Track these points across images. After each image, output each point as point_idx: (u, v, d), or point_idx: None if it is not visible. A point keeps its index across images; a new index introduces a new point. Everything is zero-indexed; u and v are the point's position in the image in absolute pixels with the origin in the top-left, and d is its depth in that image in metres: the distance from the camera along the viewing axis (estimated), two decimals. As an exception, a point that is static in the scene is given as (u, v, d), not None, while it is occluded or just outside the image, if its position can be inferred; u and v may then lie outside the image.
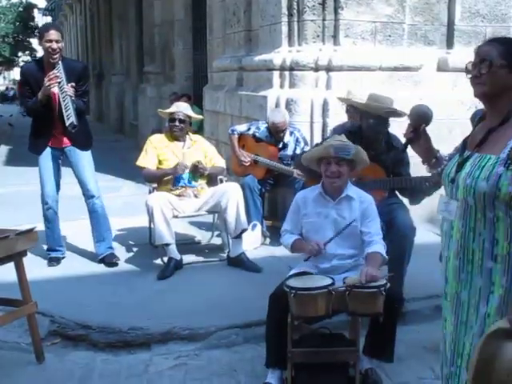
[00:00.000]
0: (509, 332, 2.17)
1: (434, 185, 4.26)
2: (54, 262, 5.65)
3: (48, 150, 5.50)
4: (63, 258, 5.77)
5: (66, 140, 5.50)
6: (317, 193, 3.79)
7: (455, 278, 2.50)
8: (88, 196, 5.63)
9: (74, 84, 5.26)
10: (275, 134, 6.18)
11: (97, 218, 5.67)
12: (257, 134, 6.31)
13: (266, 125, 6.26)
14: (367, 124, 4.62)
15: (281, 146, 6.24)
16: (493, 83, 2.49)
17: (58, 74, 5.20)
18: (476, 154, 2.51)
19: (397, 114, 4.61)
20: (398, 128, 4.74)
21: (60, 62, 5.28)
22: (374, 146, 4.56)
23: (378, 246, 3.71)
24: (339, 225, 3.70)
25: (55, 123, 5.41)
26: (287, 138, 6.20)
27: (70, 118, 5.15)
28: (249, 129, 6.40)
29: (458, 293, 2.50)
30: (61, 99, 5.20)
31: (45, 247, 5.73)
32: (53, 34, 5.24)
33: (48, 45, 5.20)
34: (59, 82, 5.19)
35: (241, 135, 6.47)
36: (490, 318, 2.44)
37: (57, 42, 5.23)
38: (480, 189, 2.40)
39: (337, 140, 3.78)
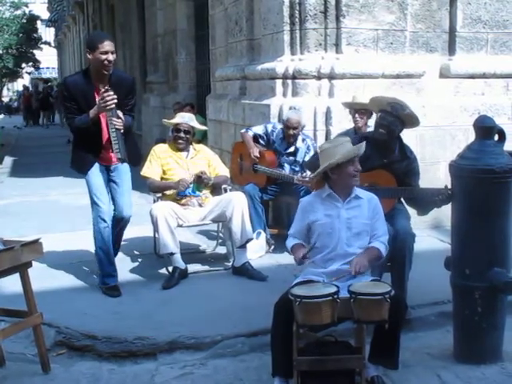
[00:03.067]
0: None
1: (447, 198, 4.19)
2: (115, 291, 5.11)
3: (97, 166, 5.12)
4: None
5: (114, 158, 5.11)
6: (325, 195, 3.83)
7: None
8: (119, 219, 5.34)
9: (121, 115, 4.88)
10: (287, 132, 6.14)
11: (114, 241, 5.45)
12: (274, 133, 6.27)
13: (282, 126, 6.25)
14: (375, 124, 4.58)
15: (292, 150, 6.23)
16: None
17: (114, 97, 4.78)
18: None
19: (409, 117, 4.56)
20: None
21: (107, 87, 4.81)
22: (387, 153, 4.57)
23: (379, 244, 3.83)
24: (352, 224, 3.77)
25: (103, 142, 5.03)
26: (299, 144, 6.19)
27: (118, 153, 4.88)
28: (265, 130, 6.33)
29: None
30: (109, 126, 4.87)
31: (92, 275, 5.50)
32: (108, 45, 4.81)
33: (104, 57, 4.76)
34: (111, 109, 4.81)
35: (242, 144, 6.49)
36: None
37: (112, 53, 4.82)
38: None
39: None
